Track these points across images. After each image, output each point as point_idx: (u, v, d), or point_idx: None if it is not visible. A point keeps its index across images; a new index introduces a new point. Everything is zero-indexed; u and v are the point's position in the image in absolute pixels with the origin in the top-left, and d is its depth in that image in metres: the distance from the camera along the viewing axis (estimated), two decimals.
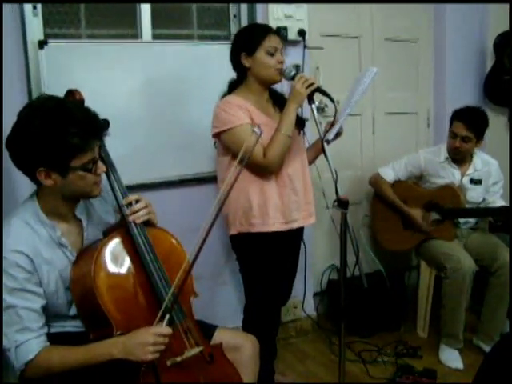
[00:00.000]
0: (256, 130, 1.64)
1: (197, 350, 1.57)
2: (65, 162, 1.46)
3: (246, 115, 2.14)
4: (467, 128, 2.83)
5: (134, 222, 1.62)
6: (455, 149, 2.90)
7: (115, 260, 1.57)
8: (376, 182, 3.16)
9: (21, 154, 1.48)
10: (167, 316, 1.51)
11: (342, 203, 1.90)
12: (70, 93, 1.68)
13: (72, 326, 1.63)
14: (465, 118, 2.85)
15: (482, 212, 3.02)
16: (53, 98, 1.53)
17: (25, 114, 1.48)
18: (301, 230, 2.42)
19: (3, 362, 2.02)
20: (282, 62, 2.18)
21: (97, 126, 1.52)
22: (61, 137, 1.43)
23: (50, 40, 2.36)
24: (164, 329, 1.49)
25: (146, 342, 1.45)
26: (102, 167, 1.57)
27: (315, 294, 3.31)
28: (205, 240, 1.47)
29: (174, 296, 1.53)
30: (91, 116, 1.51)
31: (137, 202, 1.65)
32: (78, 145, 1.45)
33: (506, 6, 3.42)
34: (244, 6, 2.85)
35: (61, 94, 1.63)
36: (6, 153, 1.51)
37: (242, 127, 2.11)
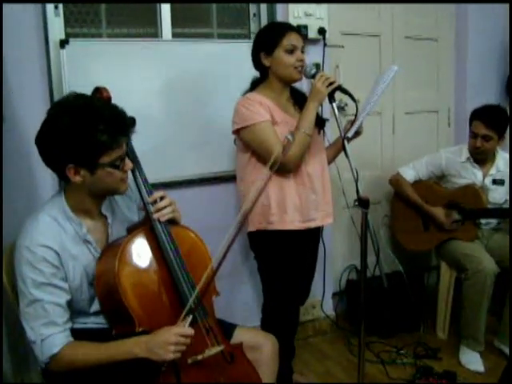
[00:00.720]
0: (289, 136, 1.65)
1: (218, 348, 1.57)
2: (93, 159, 1.49)
3: (267, 112, 2.14)
4: (486, 126, 2.80)
5: (158, 220, 1.62)
6: (477, 148, 2.86)
7: (138, 257, 1.58)
8: (396, 181, 3.14)
9: (50, 152, 1.50)
10: (190, 316, 1.51)
11: (362, 202, 1.89)
12: (98, 90, 1.70)
13: (93, 322, 1.65)
14: (483, 117, 2.82)
15: (503, 213, 2.97)
16: (81, 96, 1.56)
17: (54, 112, 1.51)
18: (319, 229, 2.41)
19: (25, 361, 2.06)
20: (301, 60, 2.17)
21: (124, 123, 1.53)
22: (90, 134, 1.45)
23: (71, 39, 2.38)
24: (186, 329, 1.49)
25: (168, 341, 1.45)
26: (129, 164, 1.59)
27: (334, 294, 3.29)
28: (230, 246, 1.46)
29: (198, 298, 1.53)
30: (119, 113, 1.53)
31: (161, 199, 1.66)
32: (106, 142, 1.47)
33: None
34: (264, 5, 2.85)
35: (83, 91, 1.64)
36: (28, 151, 1.53)
37: (263, 124, 2.11)
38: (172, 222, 1.68)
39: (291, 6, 2.81)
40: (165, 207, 1.64)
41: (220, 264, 1.48)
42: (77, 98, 1.54)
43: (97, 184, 1.54)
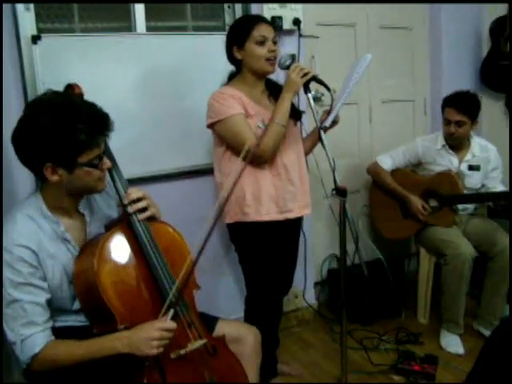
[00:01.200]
0: (260, 125, 1.66)
1: (200, 342, 1.58)
2: (72, 158, 1.48)
3: (240, 105, 2.14)
4: (458, 112, 2.84)
5: (136, 218, 1.62)
6: (451, 134, 2.90)
7: (117, 254, 1.58)
8: (374, 170, 3.16)
9: (28, 150, 1.48)
10: (171, 310, 1.52)
11: (340, 192, 1.91)
12: (70, 87, 1.68)
13: (75, 320, 1.64)
14: (454, 103, 2.86)
15: (480, 197, 3.02)
16: (59, 94, 1.55)
17: (32, 111, 1.49)
18: (298, 220, 2.42)
19: (7, 361, 2.03)
20: (273, 51, 2.16)
21: (103, 122, 1.52)
22: (69, 133, 1.44)
23: (43, 35, 2.34)
24: (169, 323, 1.50)
25: (150, 336, 1.46)
26: (107, 163, 1.58)
27: (316, 284, 3.33)
28: (208, 238, 1.46)
29: (179, 292, 1.53)
30: (98, 112, 1.52)
31: (139, 200, 1.64)
32: (85, 141, 1.47)
33: None
34: None
35: (56, 88, 1.62)
36: (4, 151, 1.51)
37: (236, 117, 2.11)
38: (151, 218, 1.67)
39: None
40: (143, 208, 1.63)
41: (198, 257, 1.48)
42: (55, 96, 1.52)
43: (74, 183, 1.53)
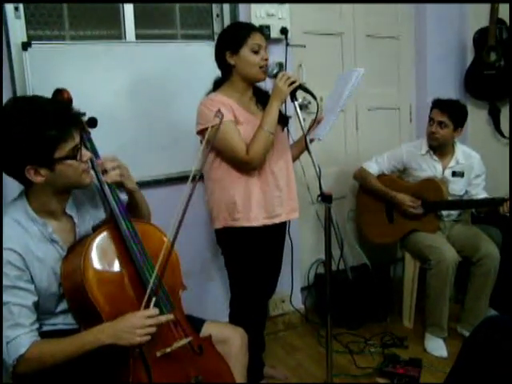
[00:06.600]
0: (218, 115, 1.69)
1: (185, 340, 1.60)
2: (48, 155, 1.49)
3: (230, 113, 2.17)
4: (442, 113, 2.91)
5: (122, 217, 1.64)
6: (431, 134, 2.97)
7: (104, 254, 1.60)
8: (361, 174, 3.21)
9: (7, 158, 1.51)
10: (153, 299, 1.54)
11: (325, 198, 1.95)
12: (59, 92, 1.71)
13: (63, 323, 1.66)
14: (441, 104, 2.94)
15: (464, 204, 3.08)
16: (22, 98, 1.63)
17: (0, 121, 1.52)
18: (284, 224, 2.46)
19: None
20: (266, 59, 2.21)
21: (70, 114, 1.55)
22: (38, 132, 1.46)
23: (33, 42, 2.38)
24: (150, 310, 1.52)
25: (134, 324, 1.48)
26: (87, 154, 1.60)
27: (303, 288, 3.36)
28: (182, 219, 1.54)
29: (159, 279, 1.55)
30: (63, 106, 1.56)
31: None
32: (56, 136, 1.49)
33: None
34: (226, 5, 2.89)
35: (47, 94, 1.65)
36: None
37: (226, 124, 2.13)
38: (137, 219, 1.70)
39: (253, 7, 2.85)
40: (111, 168, 1.68)
41: (174, 242, 1.52)
42: (18, 101, 1.59)
43: (59, 180, 1.55)
